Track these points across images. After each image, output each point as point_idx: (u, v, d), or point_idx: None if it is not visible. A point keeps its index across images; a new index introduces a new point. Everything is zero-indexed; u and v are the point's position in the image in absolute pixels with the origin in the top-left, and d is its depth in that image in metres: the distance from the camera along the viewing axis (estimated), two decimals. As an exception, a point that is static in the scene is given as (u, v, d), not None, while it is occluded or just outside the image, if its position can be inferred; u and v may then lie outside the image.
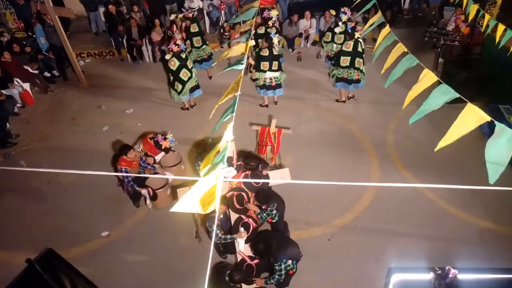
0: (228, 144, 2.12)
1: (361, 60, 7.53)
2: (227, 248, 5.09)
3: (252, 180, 5.04)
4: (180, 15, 8.94)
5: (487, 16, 5.24)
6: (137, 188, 5.75)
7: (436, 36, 8.88)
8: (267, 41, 7.55)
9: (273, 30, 8.26)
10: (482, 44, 8.28)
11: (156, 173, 6.09)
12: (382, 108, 8.03)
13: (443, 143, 2.15)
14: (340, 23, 8.40)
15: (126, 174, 5.62)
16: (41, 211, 6.19)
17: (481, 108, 2.14)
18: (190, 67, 7.54)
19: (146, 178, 5.96)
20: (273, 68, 7.53)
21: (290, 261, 4.35)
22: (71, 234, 5.77)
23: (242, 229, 4.79)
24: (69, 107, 8.69)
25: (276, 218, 4.82)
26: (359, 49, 7.47)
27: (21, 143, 7.64)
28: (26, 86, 8.72)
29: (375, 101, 8.22)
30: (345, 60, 7.61)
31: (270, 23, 8.54)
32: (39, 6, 9.41)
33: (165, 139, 6.17)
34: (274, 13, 8.73)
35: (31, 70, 9.04)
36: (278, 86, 7.83)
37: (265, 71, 7.55)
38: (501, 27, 4.77)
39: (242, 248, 4.77)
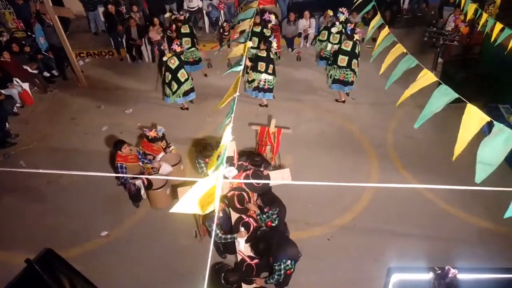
0: (227, 144, 2.12)
1: (357, 61, 7.63)
2: (227, 248, 5.09)
3: (253, 181, 5.04)
4: (173, 16, 9.00)
5: (484, 15, 5.24)
6: (130, 181, 5.72)
7: (435, 36, 8.89)
8: (266, 44, 7.59)
9: (268, 32, 8.63)
10: (481, 44, 8.29)
11: (153, 168, 6.05)
12: (381, 109, 8.03)
13: (457, 150, 2.16)
14: (337, 23, 8.44)
15: (126, 176, 5.61)
16: (41, 211, 6.18)
17: (481, 108, 2.14)
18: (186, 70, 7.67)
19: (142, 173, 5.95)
20: (268, 71, 7.61)
21: (289, 261, 4.35)
22: (71, 234, 5.76)
23: (242, 229, 4.79)
24: (68, 107, 8.69)
25: (276, 222, 4.83)
26: (356, 51, 7.58)
27: (21, 143, 7.63)
28: (26, 86, 8.71)
29: (375, 101, 8.23)
30: (343, 60, 7.63)
31: (269, 26, 8.80)
32: (39, 6, 9.41)
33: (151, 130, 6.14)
34: (273, 17, 8.91)
35: (30, 70, 9.03)
36: (270, 90, 7.89)
37: (262, 72, 7.58)
38: (498, 26, 4.78)
39: (243, 247, 4.77)
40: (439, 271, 3.81)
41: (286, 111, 8.07)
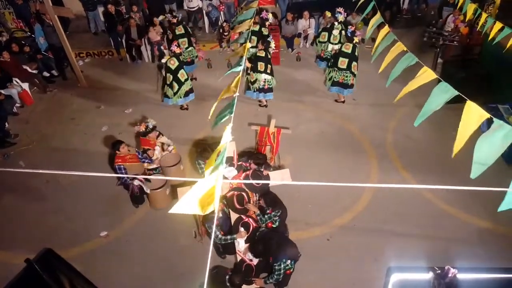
0: (227, 145, 2.12)
1: (356, 64, 7.64)
2: (226, 248, 5.09)
3: (253, 181, 5.05)
4: (166, 19, 9.07)
5: (484, 15, 5.24)
6: (129, 182, 5.71)
7: (435, 36, 8.88)
8: (264, 44, 7.59)
9: (266, 31, 8.68)
10: (481, 45, 8.29)
11: (154, 168, 6.05)
12: (381, 109, 8.04)
13: (456, 147, 2.15)
14: (336, 23, 8.45)
15: (126, 176, 5.60)
16: (41, 211, 6.18)
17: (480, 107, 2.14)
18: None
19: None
20: (267, 70, 7.63)
21: (288, 261, 4.35)
22: (70, 234, 5.76)
23: (242, 229, 4.79)
24: (68, 107, 8.68)
25: (277, 224, 4.83)
26: (356, 53, 7.58)
27: (20, 143, 7.62)
28: (25, 86, 8.71)
29: (374, 101, 8.23)
30: (343, 62, 7.64)
31: (267, 24, 8.81)
32: (38, 6, 9.41)
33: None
34: (270, 16, 8.94)
35: (30, 70, 9.03)
36: (270, 90, 7.90)
37: (261, 72, 7.59)
38: (497, 25, 4.78)
39: (242, 248, 4.77)
40: (439, 271, 3.81)
41: (286, 111, 8.06)
